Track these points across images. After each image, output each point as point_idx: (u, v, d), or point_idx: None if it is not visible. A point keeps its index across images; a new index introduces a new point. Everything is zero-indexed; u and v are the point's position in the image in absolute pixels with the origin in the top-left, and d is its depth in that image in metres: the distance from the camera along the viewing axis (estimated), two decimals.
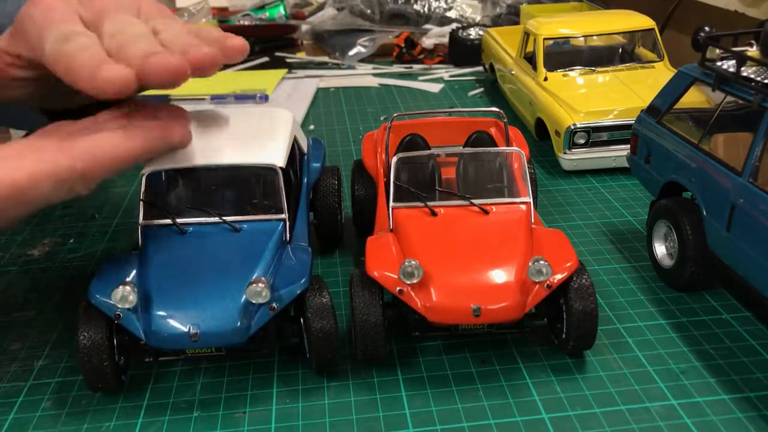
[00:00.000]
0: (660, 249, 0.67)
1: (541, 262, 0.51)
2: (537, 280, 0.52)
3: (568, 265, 0.53)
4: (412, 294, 0.52)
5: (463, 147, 0.70)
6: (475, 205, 0.59)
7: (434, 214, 0.59)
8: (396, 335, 0.59)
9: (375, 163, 0.70)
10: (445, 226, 0.58)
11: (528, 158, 0.67)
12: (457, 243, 0.56)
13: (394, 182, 0.60)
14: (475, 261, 0.54)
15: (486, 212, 0.59)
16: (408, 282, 0.52)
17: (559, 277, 0.52)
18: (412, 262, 0.51)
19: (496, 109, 0.69)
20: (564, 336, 0.54)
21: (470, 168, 0.63)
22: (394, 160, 0.60)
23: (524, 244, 0.55)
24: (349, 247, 0.74)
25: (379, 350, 0.54)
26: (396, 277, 0.52)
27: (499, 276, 0.52)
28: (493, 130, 0.73)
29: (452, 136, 0.74)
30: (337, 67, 1.44)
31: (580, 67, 0.99)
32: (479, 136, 0.70)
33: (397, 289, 0.52)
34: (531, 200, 0.60)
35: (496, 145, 0.69)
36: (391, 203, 0.60)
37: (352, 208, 0.72)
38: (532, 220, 0.59)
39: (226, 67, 1.46)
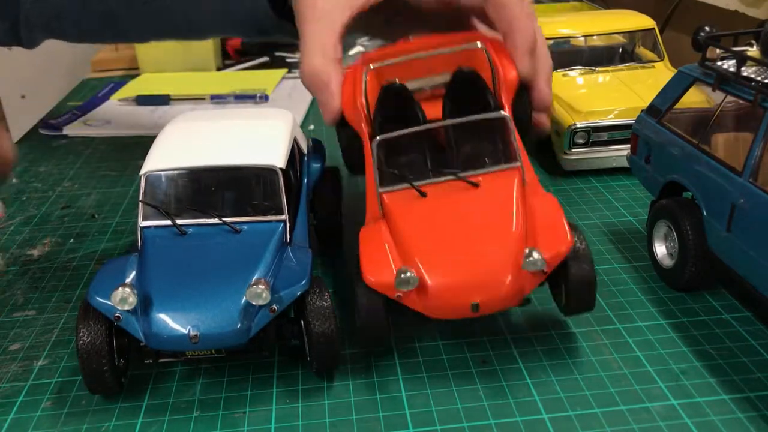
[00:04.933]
0: (660, 249, 0.67)
1: (535, 255, 0.50)
2: (533, 270, 0.51)
3: (562, 249, 0.52)
4: (411, 296, 0.52)
5: (448, 87, 0.64)
6: (463, 179, 0.56)
7: (423, 194, 0.56)
8: (395, 335, 0.59)
9: (357, 115, 0.63)
10: (435, 210, 0.55)
11: (516, 82, 0.61)
12: (449, 230, 0.54)
13: (377, 168, 0.57)
14: (470, 250, 0.52)
15: (476, 185, 0.56)
16: (404, 290, 0.51)
17: (555, 260, 0.51)
18: (408, 272, 0.50)
19: (479, 44, 0.62)
20: (564, 301, 0.54)
21: (455, 137, 0.60)
22: (374, 144, 0.57)
23: (519, 225, 0.53)
24: (350, 247, 0.74)
25: (381, 333, 0.54)
26: (392, 283, 0.51)
27: (495, 267, 0.51)
28: (479, 60, 0.64)
29: (436, 71, 0.67)
30: None
31: (580, 67, 0.98)
32: (464, 75, 0.63)
33: (395, 295, 0.52)
34: (521, 163, 0.57)
35: (483, 80, 0.62)
36: (379, 189, 0.57)
37: (342, 155, 0.67)
38: (525, 181, 0.56)
39: (225, 66, 1.46)
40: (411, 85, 0.64)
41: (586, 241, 0.53)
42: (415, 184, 0.56)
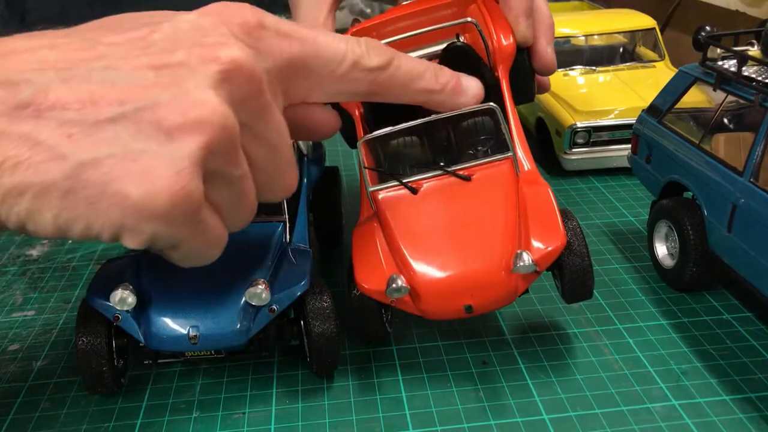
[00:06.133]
0: (661, 249, 0.67)
1: (525, 258, 0.49)
2: (523, 273, 0.50)
3: (555, 247, 0.51)
4: (404, 301, 0.51)
5: (440, 63, 0.60)
6: (453, 174, 0.55)
7: (414, 191, 0.55)
8: (395, 335, 0.59)
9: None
10: (426, 208, 0.54)
11: (513, 49, 0.59)
12: (440, 229, 0.53)
13: (365, 168, 0.56)
14: (462, 251, 0.51)
15: (467, 179, 0.55)
16: (396, 297, 0.50)
17: (547, 260, 0.51)
18: (398, 281, 0.50)
19: (469, 19, 0.59)
20: (561, 290, 0.54)
21: (444, 128, 0.57)
22: (359, 144, 0.56)
23: (511, 224, 0.52)
24: (349, 247, 0.74)
25: (378, 330, 0.53)
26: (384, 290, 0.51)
27: (487, 268, 0.50)
28: (468, 36, 0.63)
29: (427, 42, 0.64)
30: None
31: (581, 67, 0.98)
32: (457, 50, 0.61)
33: (389, 300, 0.51)
34: (512, 153, 0.55)
35: (477, 55, 0.60)
36: (369, 188, 0.56)
37: (341, 133, 0.63)
38: (518, 171, 0.55)
39: None
40: None
41: (581, 229, 0.52)
42: (405, 180, 0.55)
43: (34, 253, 0.76)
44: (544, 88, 0.66)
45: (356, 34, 0.63)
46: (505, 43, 0.59)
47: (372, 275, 0.52)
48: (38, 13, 0.85)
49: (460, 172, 0.55)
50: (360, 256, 0.54)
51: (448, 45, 0.61)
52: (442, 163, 0.55)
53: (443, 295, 0.50)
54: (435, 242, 0.52)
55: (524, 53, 0.61)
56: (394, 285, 0.50)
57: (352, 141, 0.63)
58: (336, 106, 0.61)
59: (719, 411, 0.50)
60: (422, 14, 0.63)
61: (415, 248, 0.52)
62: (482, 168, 0.55)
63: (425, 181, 0.55)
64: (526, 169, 0.56)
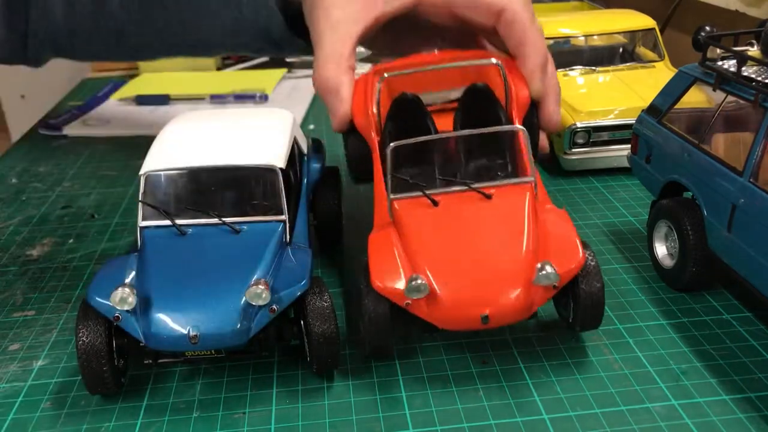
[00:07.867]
0: (661, 249, 0.67)
1: (548, 269, 0.50)
2: (544, 285, 0.51)
3: (574, 266, 0.52)
4: (420, 305, 0.51)
5: (461, 101, 0.65)
6: (475, 190, 0.56)
7: (435, 203, 0.56)
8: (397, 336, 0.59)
9: (368, 123, 0.63)
10: (446, 220, 0.55)
11: (528, 101, 0.63)
12: (460, 240, 0.54)
13: (391, 173, 0.57)
14: (481, 262, 0.52)
15: (488, 197, 0.56)
16: (414, 297, 0.50)
17: (566, 277, 0.51)
18: (418, 280, 0.50)
19: (494, 60, 0.62)
20: (572, 318, 0.54)
21: (468, 149, 0.59)
22: (388, 150, 0.57)
23: (531, 238, 0.53)
24: (349, 247, 0.74)
25: (386, 343, 0.53)
26: (402, 290, 0.51)
27: (506, 280, 0.51)
28: (491, 77, 0.66)
29: (448, 86, 0.68)
30: None
31: (581, 67, 0.98)
32: (478, 89, 0.64)
33: (405, 302, 0.51)
34: (534, 179, 0.57)
35: (496, 96, 0.63)
36: (391, 195, 0.57)
37: (347, 164, 0.68)
38: (537, 197, 0.56)
39: (225, 66, 1.46)
40: (422, 99, 0.64)
41: (596, 260, 0.54)
42: (427, 192, 0.56)
43: (35, 253, 0.76)
44: (543, 150, 0.68)
45: (380, 71, 0.64)
46: (522, 93, 0.62)
47: (389, 276, 0.52)
48: (44, 34, 0.84)
49: (482, 190, 0.56)
50: (377, 258, 0.53)
51: (469, 86, 0.64)
52: (464, 179, 0.57)
53: (461, 301, 0.51)
54: (454, 252, 0.53)
55: (533, 108, 0.64)
56: (413, 282, 0.50)
57: (360, 172, 0.65)
58: (353, 132, 0.64)
59: (719, 411, 0.50)
60: (446, 61, 0.65)
61: (433, 255, 0.52)
62: (503, 189, 0.56)
63: (445, 195, 0.56)
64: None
